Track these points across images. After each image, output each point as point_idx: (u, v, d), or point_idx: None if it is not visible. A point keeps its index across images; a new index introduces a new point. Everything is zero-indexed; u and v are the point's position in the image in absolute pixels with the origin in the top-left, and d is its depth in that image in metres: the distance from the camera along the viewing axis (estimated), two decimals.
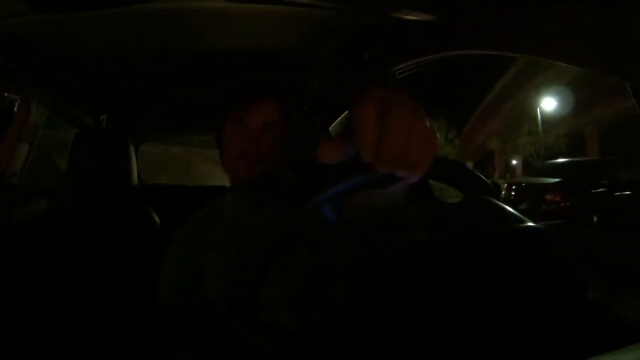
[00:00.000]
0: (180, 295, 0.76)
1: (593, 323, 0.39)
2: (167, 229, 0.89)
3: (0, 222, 1.12)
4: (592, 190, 6.49)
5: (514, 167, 18.65)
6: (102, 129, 1.63)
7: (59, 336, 1.00)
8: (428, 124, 0.35)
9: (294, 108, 0.90)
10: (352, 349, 0.39)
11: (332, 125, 1.55)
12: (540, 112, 16.11)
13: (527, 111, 16.64)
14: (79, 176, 1.18)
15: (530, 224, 0.40)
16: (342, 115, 1.42)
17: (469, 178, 0.48)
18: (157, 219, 1.21)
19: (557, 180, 6.59)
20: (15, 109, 1.13)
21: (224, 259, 0.72)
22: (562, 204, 6.12)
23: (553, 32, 0.55)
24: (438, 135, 0.37)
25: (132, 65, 1.16)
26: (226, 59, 1.12)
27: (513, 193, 6.72)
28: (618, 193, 6.65)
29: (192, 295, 0.74)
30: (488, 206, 0.44)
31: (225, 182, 0.89)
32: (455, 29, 0.76)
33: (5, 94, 1.09)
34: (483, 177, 0.49)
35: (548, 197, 6.24)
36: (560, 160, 8.75)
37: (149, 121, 1.85)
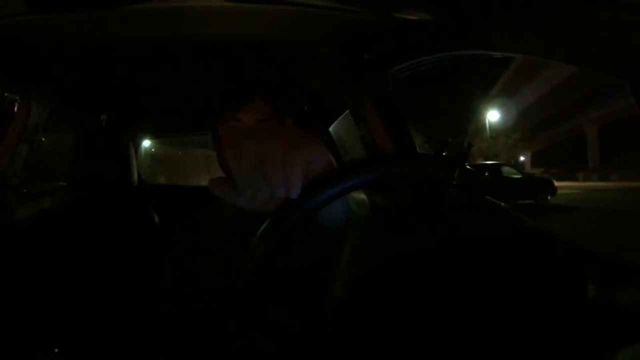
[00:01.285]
0: (180, 295, 0.76)
1: (595, 323, 0.39)
2: (167, 229, 0.89)
3: (0, 222, 1.12)
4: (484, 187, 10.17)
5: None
6: (102, 129, 1.63)
7: (58, 335, 1.00)
8: (310, 149, 0.39)
9: (288, 107, 0.89)
10: (352, 349, 0.39)
11: (332, 125, 1.54)
12: (489, 122, 21.02)
13: (481, 120, 21.19)
14: (79, 176, 1.18)
15: (533, 224, 0.40)
16: (342, 115, 1.42)
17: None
18: (157, 219, 1.22)
19: None
20: (15, 109, 1.13)
21: (224, 259, 0.72)
22: None
23: (553, 32, 0.55)
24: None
25: (132, 65, 1.16)
26: (226, 58, 1.12)
27: None
28: (502, 187, 10.94)
29: (192, 295, 0.74)
30: (490, 208, 0.44)
31: None
32: (455, 29, 0.76)
33: (5, 94, 1.09)
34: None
35: None
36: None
37: (149, 121, 1.85)
